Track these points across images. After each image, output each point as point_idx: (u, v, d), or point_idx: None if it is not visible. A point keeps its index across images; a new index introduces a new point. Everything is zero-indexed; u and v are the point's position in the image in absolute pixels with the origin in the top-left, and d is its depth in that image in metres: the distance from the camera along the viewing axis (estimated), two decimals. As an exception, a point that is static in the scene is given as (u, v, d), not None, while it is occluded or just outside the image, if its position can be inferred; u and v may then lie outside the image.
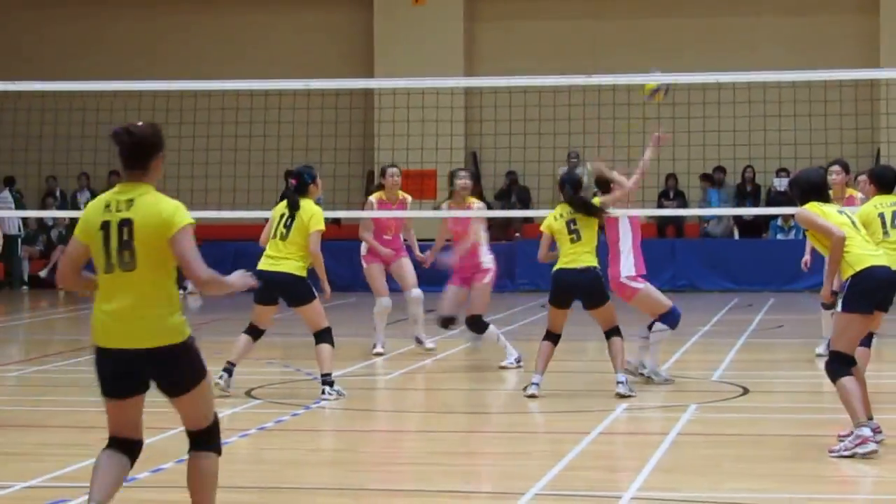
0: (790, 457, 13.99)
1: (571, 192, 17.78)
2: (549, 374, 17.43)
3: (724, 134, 32.92)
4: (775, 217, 34.46)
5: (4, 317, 31.18)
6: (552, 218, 17.74)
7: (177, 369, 9.27)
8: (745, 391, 18.18)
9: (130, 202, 9.14)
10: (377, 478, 13.09)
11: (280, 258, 17.29)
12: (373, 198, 21.90)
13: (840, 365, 13.21)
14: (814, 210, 13.41)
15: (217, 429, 9.50)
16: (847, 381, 13.06)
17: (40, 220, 37.88)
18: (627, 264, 18.56)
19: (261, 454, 14.53)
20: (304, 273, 17.38)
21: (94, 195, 37.05)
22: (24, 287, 37.28)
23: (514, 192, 36.76)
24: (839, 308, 13.35)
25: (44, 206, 37.43)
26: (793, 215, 20.59)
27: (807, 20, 36.32)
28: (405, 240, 22.25)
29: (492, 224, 35.79)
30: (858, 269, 13.07)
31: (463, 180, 21.27)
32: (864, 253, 13.18)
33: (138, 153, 9.27)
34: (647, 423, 16.24)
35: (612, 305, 17.11)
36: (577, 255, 17.36)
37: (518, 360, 20.43)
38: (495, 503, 11.80)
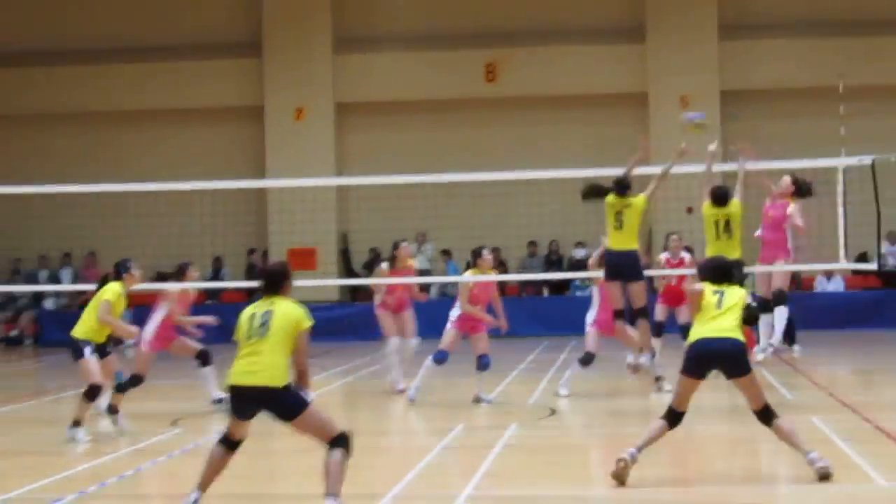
0: (594, 461, 14.23)
1: None
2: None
3: (534, 217, 33.30)
4: (574, 280, 34.50)
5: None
6: None
7: (282, 405, 10.79)
8: (554, 412, 18.16)
9: (272, 303, 11.00)
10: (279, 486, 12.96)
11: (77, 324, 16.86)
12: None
13: (666, 414, 12.45)
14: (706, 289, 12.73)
15: (344, 438, 10.78)
16: (655, 423, 12.45)
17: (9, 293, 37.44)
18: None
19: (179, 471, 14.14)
20: (82, 335, 16.59)
21: (51, 273, 36.89)
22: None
23: (376, 263, 36.56)
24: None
25: (11, 282, 37.07)
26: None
27: (591, 130, 36.63)
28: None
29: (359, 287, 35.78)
30: (688, 342, 12.61)
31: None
32: (697, 329, 12.53)
33: (272, 282, 11.15)
34: (479, 438, 15.95)
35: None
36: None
37: None
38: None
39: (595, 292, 20.08)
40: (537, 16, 37.37)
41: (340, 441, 10.81)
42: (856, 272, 31.33)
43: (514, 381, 22.34)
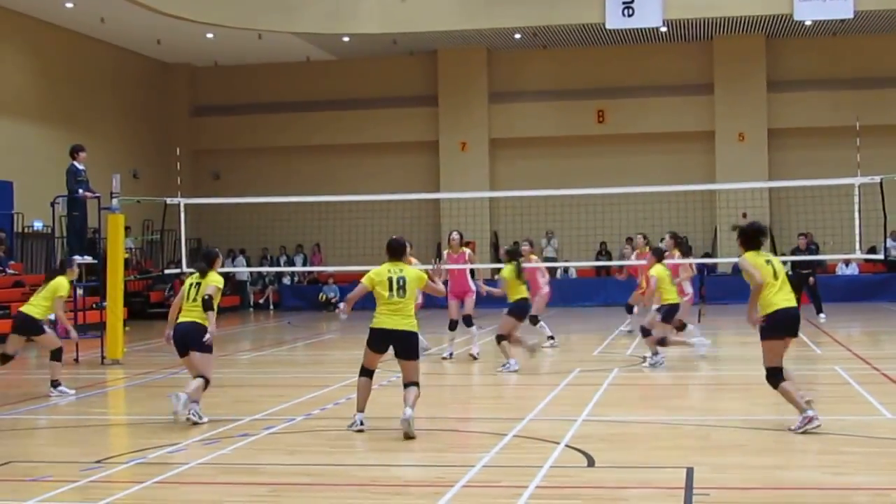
0: (674, 395, 13.88)
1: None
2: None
3: (630, 219, 32.95)
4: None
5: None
6: None
7: (408, 345, 11.06)
8: (644, 359, 17.44)
9: (401, 270, 11.16)
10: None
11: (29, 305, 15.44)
12: None
13: (775, 376, 10.69)
14: (750, 259, 10.76)
15: (417, 382, 11.07)
16: (786, 385, 10.64)
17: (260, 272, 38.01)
18: None
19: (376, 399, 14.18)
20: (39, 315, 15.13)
21: (288, 259, 37.29)
22: (250, 309, 37.35)
23: (519, 253, 36.65)
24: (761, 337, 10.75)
25: (261, 264, 37.71)
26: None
27: (671, 158, 36.33)
28: None
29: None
30: (770, 310, 10.60)
31: (454, 234, 19.34)
32: (778, 298, 10.65)
33: (398, 251, 11.34)
34: (591, 378, 15.47)
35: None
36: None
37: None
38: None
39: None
40: (635, 75, 37.09)
41: (414, 384, 11.03)
42: (867, 260, 30.71)
43: (617, 338, 22.09)
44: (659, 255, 17.11)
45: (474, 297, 18.91)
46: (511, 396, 14.55)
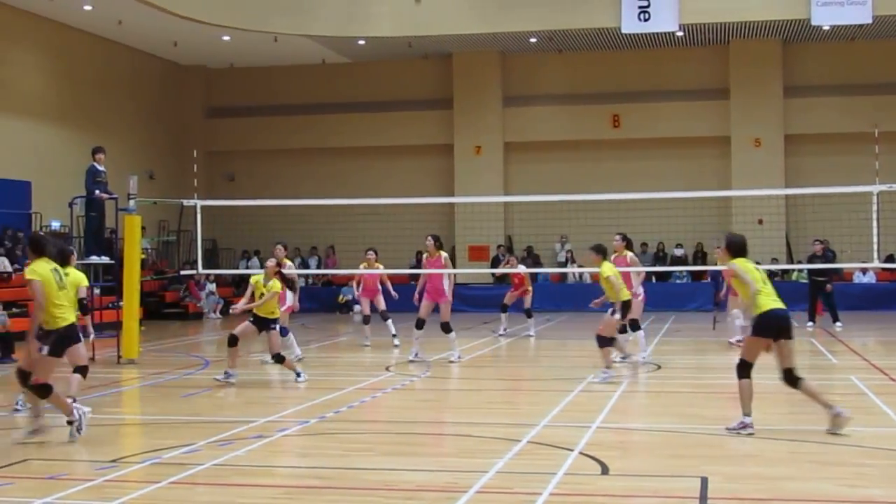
0: (686, 403, 13.82)
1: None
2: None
3: (646, 224, 32.95)
4: (674, 271, 34.19)
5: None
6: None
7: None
8: (659, 367, 17.69)
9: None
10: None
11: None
12: None
13: (743, 369, 11.17)
14: (742, 265, 11.25)
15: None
16: (745, 383, 11.16)
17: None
18: None
19: (390, 404, 14.21)
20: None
21: (301, 260, 37.19)
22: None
23: (530, 256, 36.56)
24: (749, 332, 11.34)
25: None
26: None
27: (687, 163, 36.23)
28: None
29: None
30: (764, 310, 11.02)
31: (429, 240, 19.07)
32: (766, 300, 11.05)
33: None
34: (605, 384, 15.45)
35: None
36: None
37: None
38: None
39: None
40: (650, 80, 37.05)
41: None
42: (885, 269, 30.62)
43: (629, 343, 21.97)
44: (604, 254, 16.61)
45: (450, 303, 18.74)
46: (524, 402, 14.51)
